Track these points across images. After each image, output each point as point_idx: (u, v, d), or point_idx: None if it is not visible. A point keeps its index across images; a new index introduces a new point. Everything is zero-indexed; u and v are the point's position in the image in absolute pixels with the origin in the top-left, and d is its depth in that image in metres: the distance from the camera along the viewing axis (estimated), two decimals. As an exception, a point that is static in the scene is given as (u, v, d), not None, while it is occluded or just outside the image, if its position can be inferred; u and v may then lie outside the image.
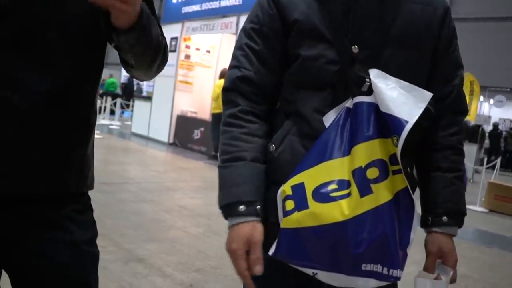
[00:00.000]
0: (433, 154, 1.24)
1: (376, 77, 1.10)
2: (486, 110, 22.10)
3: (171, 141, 11.29)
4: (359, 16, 1.13)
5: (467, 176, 10.92)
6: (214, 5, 10.42)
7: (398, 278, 1.08)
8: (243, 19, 9.49)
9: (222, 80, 9.91)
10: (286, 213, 1.08)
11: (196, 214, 5.14)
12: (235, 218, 1.12)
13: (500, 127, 19.82)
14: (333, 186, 1.06)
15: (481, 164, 9.21)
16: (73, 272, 1.17)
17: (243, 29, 1.24)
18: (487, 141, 17.89)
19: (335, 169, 1.08)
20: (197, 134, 10.61)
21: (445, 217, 1.20)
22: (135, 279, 3.13)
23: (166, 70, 13.10)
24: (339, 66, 1.13)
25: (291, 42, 1.17)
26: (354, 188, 1.05)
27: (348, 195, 1.05)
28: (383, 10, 1.14)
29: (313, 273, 1.08)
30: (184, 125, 11.11)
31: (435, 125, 1.22)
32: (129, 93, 19.25)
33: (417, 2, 1.19)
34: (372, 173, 1.06)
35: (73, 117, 1.15)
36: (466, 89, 12.69)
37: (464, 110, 1.29)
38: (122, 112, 17.46)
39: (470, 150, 10.95)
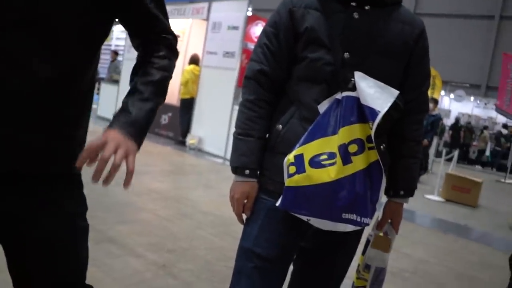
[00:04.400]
0: (400, 144, 1.60)
1: (359, 78, 1.44)
2: (447, 104, 22.74)
3: (138, 125, 11.19)
4: (353, 31, 1.47)
5: (427, 167, 11.32)
6: (186, -10, 10.35)
7: (368, 224, 1.47)
8: (215, 4, 9.48)
9: (192, 66, 9.89)
10: (290, 175, 1.43)
11: (166, 197, 5.21)
12: (241, 177, 1.55)
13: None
14: (324, 157, 1.41)
15: (441, 156, 9.56)
16: (65, 243, 1.26)
17: (264, 30, 1.58)
18: (446, 135, 18.48)
19: (326, 144, 1.42)
20: (164, 119, 10.58)
21: (402, 191, 1.63)
22: (109, 259, 3.21)
23: (134, 53, 12.87)
24: (333, 67, 1.47)
25: (300, 46, 1.50)
26: (339, 159, 1.40)
27: (334, 163, 1.40)
28: (373, 27, 1.48)
29: (307, 219, 1.44)
30: (152, 110, 11.02)
31: (403, 121, 1.56)
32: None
33: (400, 21, 1.52)
34: (353, 148, 1.42)
35: (72, 103, 1.21)
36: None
37: (426, 109, 1.65)
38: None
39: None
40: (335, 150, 1.41)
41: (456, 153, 9.33)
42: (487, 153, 18.53)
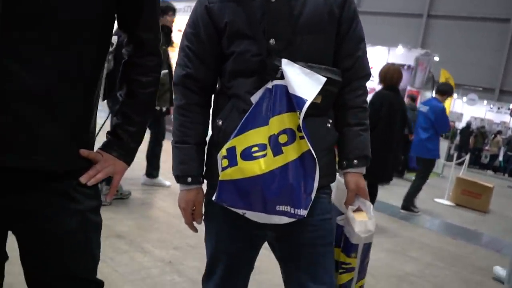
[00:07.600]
0: (344, 113, 1.55)
1: (285, 65, 1.40)
2: (459, 108, 22.56)
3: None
4: (272, 15, 1.41)
5: (438, 171, 11.25)
6: None
7: (303, 216, 1.40)
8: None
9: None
10: (223, 169, 1.40)
11: (176, 194, 5.20)
12: (184, 186, 1.54)
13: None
14: (255, 148, 1.38)
15: (452, 160, 9.48)
16: (78, 238, 1.27)
17: (184, 33, 1.53)
18: (457, 138, 18.35)
19: (257, 136, 1.39)
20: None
21: (355, 161, 1.54)
22: (116, 254, 3.23)
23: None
24: (260, 57, 1.42)
25: (224, 42, 1.47)
26: (269, 150, 1.37)
27: (265, 155, 1.37)
28: (292, 6, 1.42)
29: (243, 213, 1.41)
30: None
31: (344, 90, 1.53)
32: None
33: None
34: (283, 138, 1.38)
35: (82, 96, 1.23)
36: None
37: (366, 74, 1.58)
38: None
39: (442, 146, 11.21)
40: (265, 141, 1.38)
41: (467, 157, 9.25)
42: (500, 158, 18.37)
